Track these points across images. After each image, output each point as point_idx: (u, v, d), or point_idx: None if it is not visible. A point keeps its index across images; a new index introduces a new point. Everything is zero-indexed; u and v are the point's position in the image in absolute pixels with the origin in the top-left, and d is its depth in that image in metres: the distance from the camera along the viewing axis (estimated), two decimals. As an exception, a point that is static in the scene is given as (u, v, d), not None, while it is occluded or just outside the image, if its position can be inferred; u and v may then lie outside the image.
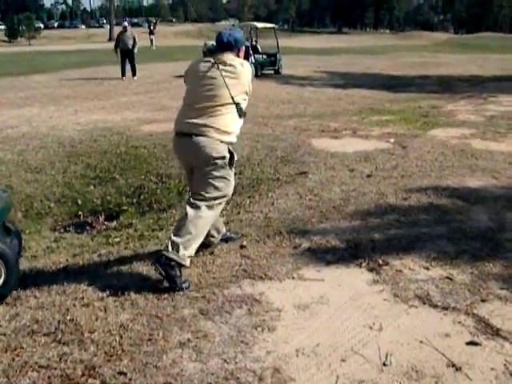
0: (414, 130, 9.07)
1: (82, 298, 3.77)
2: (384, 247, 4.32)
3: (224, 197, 4.08)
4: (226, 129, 3.90)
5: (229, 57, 3.95)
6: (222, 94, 3.88)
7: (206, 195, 3.96)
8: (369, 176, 6.29)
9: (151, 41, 43.57)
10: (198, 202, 3.95)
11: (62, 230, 6.38)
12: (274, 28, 21.80)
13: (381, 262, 4.05)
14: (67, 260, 4.78)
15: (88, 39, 66.16)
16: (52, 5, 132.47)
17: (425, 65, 25.74)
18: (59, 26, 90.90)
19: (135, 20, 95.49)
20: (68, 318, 3.48)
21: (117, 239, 5.34)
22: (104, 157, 8.17)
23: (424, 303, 3.47)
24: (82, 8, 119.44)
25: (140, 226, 5.88)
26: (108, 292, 3.81)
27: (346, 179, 6.16)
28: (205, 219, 3.97)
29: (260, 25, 21.77)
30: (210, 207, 3.98)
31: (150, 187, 7.12)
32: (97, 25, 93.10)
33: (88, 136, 9.25)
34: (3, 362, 3.04)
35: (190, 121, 3.92)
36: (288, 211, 5.20)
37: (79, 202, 6.96)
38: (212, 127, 3.88)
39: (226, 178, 4.02)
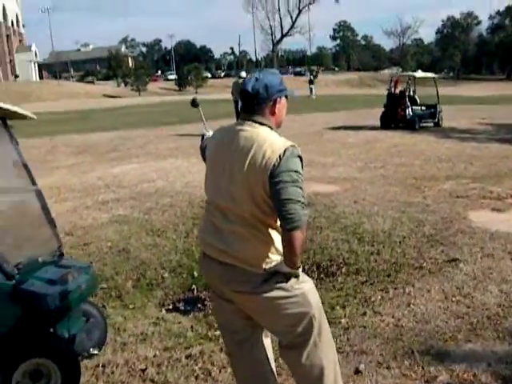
0: None
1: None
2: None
3: (312, 317, 2.73)
4: (264, 261, 2.62)
5: (259, 130, 2.59)
6: (244, 199, 2.57)
7: (293, 329, 2.72)
8: (541, 270, 4.95)
9: (311, 90, 43.63)
10: (295, 347, 2.77)
11: (171, 306, 5.73)
12: (434, 78, 20.44)
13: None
14: (155, 355, 4.10)
15: (252, 88, 68.22)
16: (221, 55, 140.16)
17: None
18: (225, 76, 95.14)
19: (298, 69, 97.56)
20: None
21: (217, 332, 4.54)
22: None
23: None
24: (248, 58, 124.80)
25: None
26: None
27: (509, 274, 4.84)
28: (320, 349, 2.77)
29: (419, 74, 20.51)
30: (313, 336, 2.76)
31: (273, 261, 6.29)
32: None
33: (221, 195, 8.68)
34: None
35: (215, 244, 2.70)
36: (427, 318, 4.07)
37: (195, 273, 6.28)
38: (245, 261, 2.62)
39: (293, 297, 2.67)
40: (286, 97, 2.76)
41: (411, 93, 18.90)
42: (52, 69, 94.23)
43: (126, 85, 67.41)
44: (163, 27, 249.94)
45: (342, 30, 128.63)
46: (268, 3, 79.00)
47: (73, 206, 8.76)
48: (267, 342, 2.98)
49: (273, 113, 2.68)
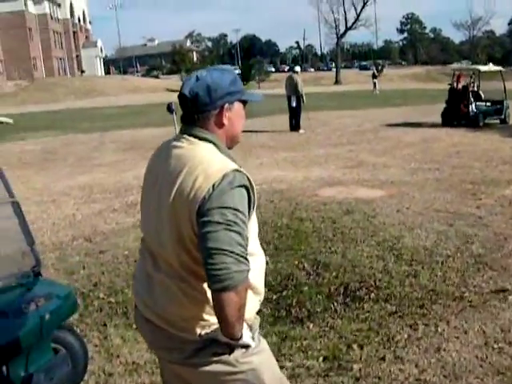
0: None
1: None
2: None
3: None
4: (197, 324, 1.96)
5: (196, 148, 1.95)
6: (170, 240, 1.92)
7: None
8: None
9: (374, 84, 42.51)
10: None
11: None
12: (500, 71, 19.02)
13: None
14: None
15: (315, 82, 67.29)
16: (286, 49, 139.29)
17: None
18: (289, 70, 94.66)
19: (364, 63, 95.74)
20: None
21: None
22: (261, 229, 6.75)
23: None
24: (313, 52, 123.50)
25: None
26: None
27: None
28: None
29: (484, 68, 19.14)
30: None
31: (299, 279, 5.59)
32: (325, 68, 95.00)
33: (255, 199, 8.06)
34: None
35: (143, 295, 2.10)
36: (457, 372, 3.28)
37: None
38: (173, 323, 1.98)
39: (238, 373, 1.99)
40: (244, 102, 2.07)
41: (475, 88, 17.67)
42: (118, 64, 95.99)
43: (189, 79, 67.73)
44: (229, 22, 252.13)
45: (410, 23, 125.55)
46: (332, -4, 77.14)
47: (100, 208, 8.36)
48: None
49: (220, 124, 1.99)
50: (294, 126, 17.11)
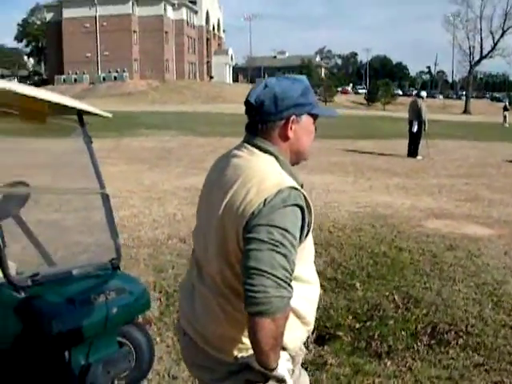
0: None
1: None
2: None
3: None
4: (235, 346, 1.84)
5: (254, 160, 1.82)
6: (215, 253, 1.82)
7: None
8: None
9: (504, 117, 40.60)
10: None
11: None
12: None
13: None
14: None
15: (443, 109, 65.39)
16: (417, 74, 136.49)
17: None
18: (415, 94, 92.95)
19: (497, 95, 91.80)
20: None
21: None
22: (357, 254, 6.62)
23: None
24: (444, 79, 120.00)
25: (337, 369, 4.19)
26: None
27: None
28: None
29: None
30: None
31: (386, 311, 5.31)
32: (454, 96, 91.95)
33: (356, 222, 7.84)
34: None
35: (184, 307, 2.03)
36: None
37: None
38: (209, 341, 1.86)
39: None
40: (314, 116, 1.91)
41: None
42: (246, 73, 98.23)
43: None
44: (361, 41, 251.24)
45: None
46: (469, 22, 74.35)
47: (200, 210, 8.45)
48: None
49: (284, 136, 1.85)
50: (412, 151, 16.59)
